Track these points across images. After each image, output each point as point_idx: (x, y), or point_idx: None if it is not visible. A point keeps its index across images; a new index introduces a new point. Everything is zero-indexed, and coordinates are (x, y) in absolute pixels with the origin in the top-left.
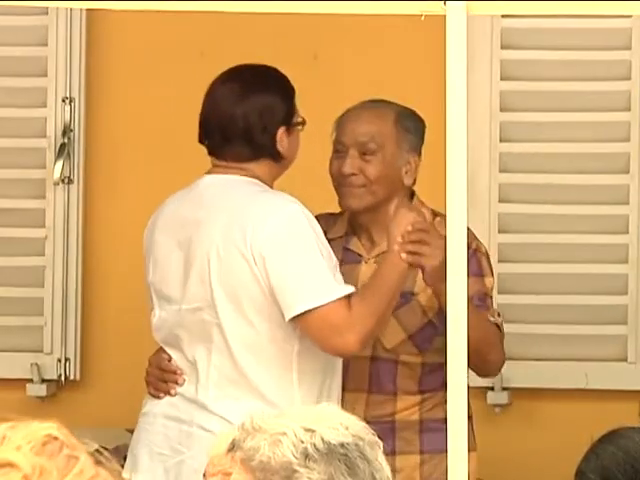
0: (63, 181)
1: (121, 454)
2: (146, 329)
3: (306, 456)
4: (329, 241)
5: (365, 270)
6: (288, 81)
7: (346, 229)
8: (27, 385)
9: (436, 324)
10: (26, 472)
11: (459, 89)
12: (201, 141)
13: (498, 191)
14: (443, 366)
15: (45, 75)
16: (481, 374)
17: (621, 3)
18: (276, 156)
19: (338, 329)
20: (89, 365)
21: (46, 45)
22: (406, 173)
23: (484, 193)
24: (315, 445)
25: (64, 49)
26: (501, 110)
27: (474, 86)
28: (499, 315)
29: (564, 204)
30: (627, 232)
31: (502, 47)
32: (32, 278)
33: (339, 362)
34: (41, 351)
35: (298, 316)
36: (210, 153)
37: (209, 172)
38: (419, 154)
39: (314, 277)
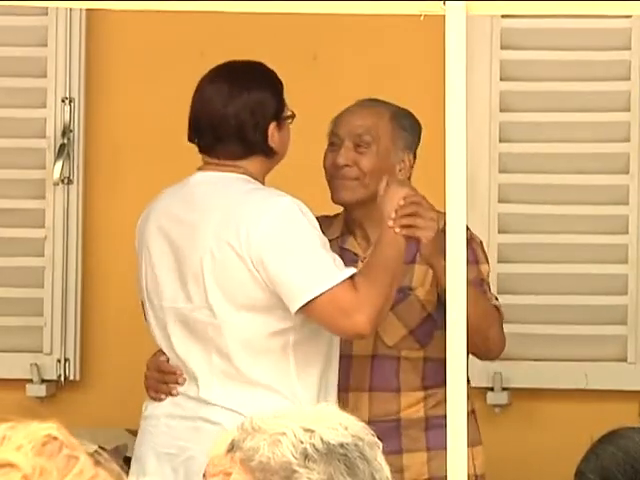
0: (63, 181)
1: (121, 454)
2: (146, 329)
3: (306, 456)
4: None
5: None
6: (276, 75)
7: (342, 230)
8: (27, 385)
9: (435, 318)
10: (26, 472)
11: (459, 89)
12: (191, 140)
13: (498, 191)
14: (445, 361)
15: (45, 75)
16: (482, 356)
17: (621, 3)
18: (268, 152)
19: (347, 312)
20: (89, 365)
21: (46, 45)
22: (400, 171)
23: (484, 193)
24: (314, 445)
25: (64, 49)
26: (501, 110)
27: (474, 86)
28: (497, 299)
29: (564, 204)
30: (627, 232)
31: (502, 47)
32: (32, 278)
33: (336, 351)
34: (41, 351)
35: (305, 306)
36: (201, 151)
37: (200, 169)
38: (414, 154)
39: (315, 265)
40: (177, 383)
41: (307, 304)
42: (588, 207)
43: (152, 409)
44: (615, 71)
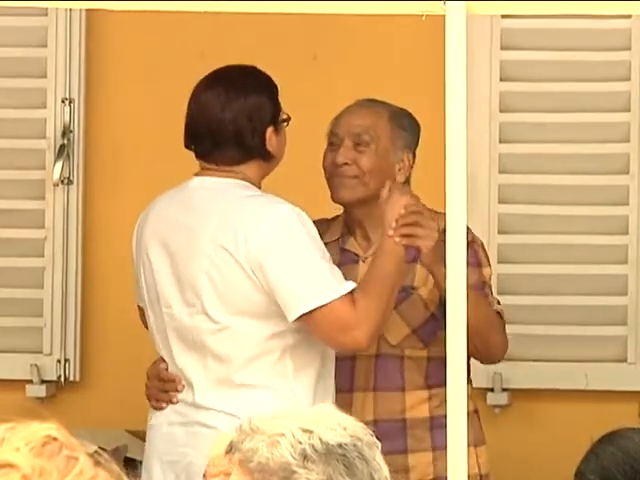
0: (63, 182)
1: (121, 455)
2: (146, 330)
3: (304, 457)
4: (325, 244)
5: (363, 269)
6: (271, 79)
7: (342, 231)
8: (27, 386)
9: (438, 317)
10: (26, 473)
11: (459, 89)
12: (187, 146)
13: (498, 192)
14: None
15: (45, 76)
16: (484, 360)
17: (621, 3)
18: (266, 156)
19: (345, 327)
20: (89, 366)
21: (46, 46)
22: (399, 170)
23: (484, 194)
24: (313, 446)
25: (64, 50)
26: (501, 111)
27: (474, 86)
28: (499, 303)
29: (564, 205)
30: (627, 233)
31: (502, 48)
32: (32, 279)
33: (331, 352)
34: (41, 352)
35: (303, 316)
36: (198, 157)
37: (198, 174)
38: (413, 153)
39: (314, 276)
40: (177, 391)
41: (304, 315)
42: (588, 208)
43: (155, 418)
44: (615, 72)
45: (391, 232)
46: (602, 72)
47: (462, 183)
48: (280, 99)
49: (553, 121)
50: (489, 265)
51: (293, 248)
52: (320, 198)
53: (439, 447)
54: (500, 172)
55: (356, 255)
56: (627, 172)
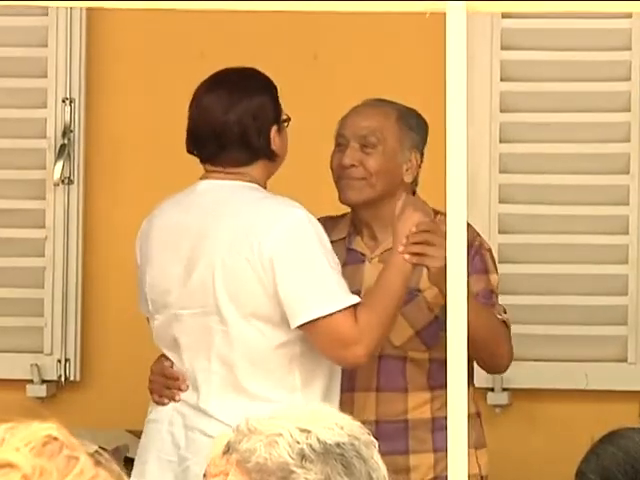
0: (63, 182)
1: (121, 455)
2: (146, 330)
3: (302, 456)
4: (332, 243)
5: (369, 269)
6: (270, 79)
7: (349, 230)
8: (27, 386)
9: (442, 320)
10: (26, 472)
11: (459, 89)
12: (190, 151)
13: (498, 192)
14: None
15: (45, 76)
16: (490, 370)
17: (619, 3)
18: (271, 156)
19: (345, 341)
20: (89, 366)
21: (46, 46)
22: (407, 170)
23: (484, 194)
24: (311, 445)
25: (64, 50)
26: (501, 111)
27: (474, 87)
28: (505, 312)
29: (564, 205)
30: (627, 233)
31: (502, 48)
32: (32, 279)
33: (339, 368)
34: (41, 352)
35: (304, 325)
36: (203, 161)
37: (205, 177)
38: (421, 153)
39: (320, 285)
40: (180, 389)
41: (306, 324)
42: (588, 207)
43: (156, 414)
44: (615, 71)
45: (401, 248)
46: (602, 72)
47: (462, 183)
48: (280, 99)
49: (553, 121)
50: (496, 272)
51: (305, 253)
52: (320, 198)
53: (440, 449)
54: (500, 172)
55: (362, 255)
56: (627, 172)
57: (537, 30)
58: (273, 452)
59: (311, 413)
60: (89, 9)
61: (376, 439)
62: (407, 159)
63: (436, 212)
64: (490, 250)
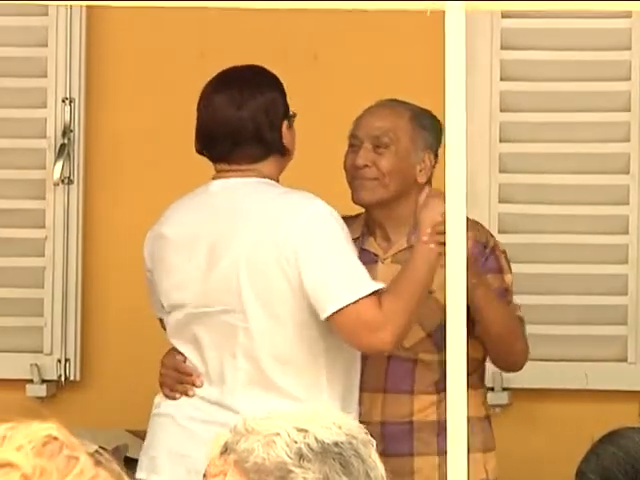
0: (63, 182)
1: (121, 455)
2: (146, 330)
3: (300, 456)
4: None
5: (382, 270)
6: (276, 75)
7: (362, 230)
8: (27, 386)
9: None
10: (26, 472)
11: (459, 89)
12: (200, 151)
13: (498, 191)
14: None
15: (45, 76)
16: (506, 367)
17: (616, 2)
18: (283, 151)
19: (370, 327)
20: (89, 366)
21: (46, 46)
22: (420, 171)
23: (484, 193)
24: (309, 445)
25: (64, 50)
26: (501, 110)
27: (474, 86)
28: (519, 310)
29: (564, 204)
30: (627, 232)
31: (502, 47)
32: (32, 279)
33: (359, 360)
34: (41, 352)
35: (332, 315)
36: (215, 160)
37: (217, 177)
38: (435, 153)
39: (345, 274)
40: (194, 385)
41: (334, 313)
42: (588, 207)
43: (166, 407)
44: (615, 71)
45: (426, 238)
46: (602, 72)
47: (462, 182)
48: None
49: (553, 120)
50: (510, 272)
51: (328, 244)
52: (321, 197)
53: (445, 451)
54: (500, 171)
55: (375, 255)
56: (627, 172)
57: (537, 30)
58: (271, 452)
59: (308, 413)
60: (89, 9)
61: (382, 440)
62: (420, 159)
63: (474, 223)
64: (504, 252)
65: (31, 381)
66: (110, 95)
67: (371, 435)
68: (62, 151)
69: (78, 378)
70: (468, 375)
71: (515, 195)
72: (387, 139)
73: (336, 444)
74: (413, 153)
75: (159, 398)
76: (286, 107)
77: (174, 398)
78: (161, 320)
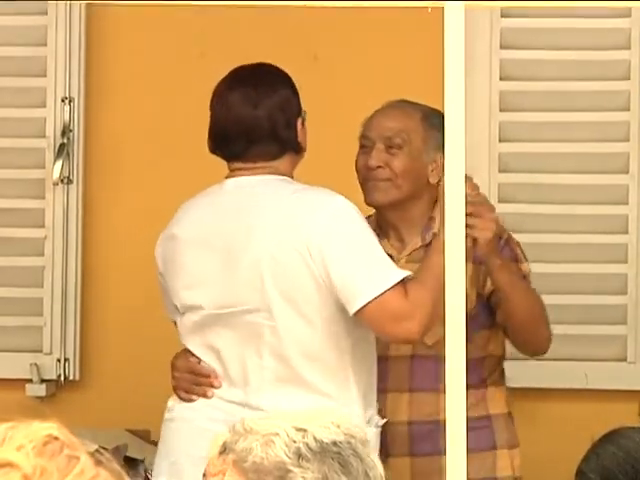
0: (62, 181)
1: (121, 454)
2: (146, 329)
3: (299, 456)
4: None
5: None
6: (288, 73)
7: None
8: (26, 385)
9: (474, 317)
10: (27, 472)
11: (458, 89)
12: (213, 151)
13: (497, 191)
14: (483, 360)
15: (44, 75)
16: (532, 352)
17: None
18: (297, 148)
19: (398, 318)
20: (88, 365)
21: (45, 45)
22: (432, 171)
23: (483, 193)
24: (308, 444)
25: (63, 49)
26: (500, 110)
27: (473, 86)
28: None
29: (563, 204)
30: (626, 232)
31: (501, 47)
32: (31, 278)
33: (375, 356)
34: (40, 351)
35: (360, 308)
36: (230, 159)
37: (232, 175)
38: None
39: (371, 265)
40: (212, 386)
41: (362, 307)
42: (588, 207)
43: (182, 411)
44: (615, 71)
45: None
46: (602, 71)
47: (461, 182)
48: None
49: (553, 120)
50: (527, 261)
51: (352, 237)
52: None
53: (472, 449)
54: (500, 171)
55: (390, 256)
56: (627, 171)
57: (536, 29)
58: (270, 451)
59: (307, 412)
60: (89, 8)
61: (409, 440)
62: (432, 159)
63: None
64: (518, 243)
65: (30, 381)
66: (110, 95)
67: (398, 435)
68: (61, 151)
69: (77, 378)
70: (491, 373)
71: (515, 194)
72: (399, 140)
73: (335, 444)
74: (425, 153)
75: (172, 402)
76: (299, 104)
77: (191, 400)
78: (175, 323)
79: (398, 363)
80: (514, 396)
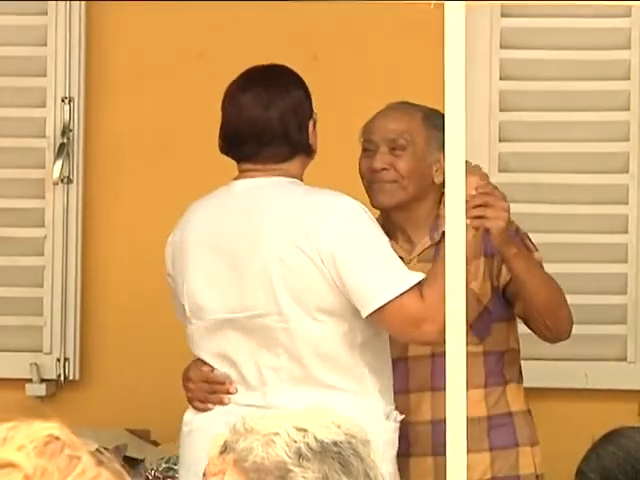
0: (62, 181)
1: (121, 454)
2: (146, 329)
3: (300, 455)
4: None
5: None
6: (299, 75)
7: None
8: (26, 385)
9: (491, 310)
10: (27, 472)
11: (458, 88)
12: (224, 151)
13: None
14: (503, 355)
15: (44, 75)
16: (555, 335)
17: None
18: (309, 151)
19: (414, 321)
20: (88, 365)
21: (45, 45)
22: (436, 171)
23: None
24: (308, 444)
25: (63, 49)
26: (500, 110)
27: (474, 85)
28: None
29: (563, 203)
30: (626, 232)
31: (501, 47)
32: (31, 278)
33: (389, 352)
34: (40, 351)
35: (375, 311)
36: (240, 160)
37: (241, 177)
38: None
39: (384, 269)
40: (229, 392)
41: (377, 310)
42: (588, 206)
43: (201, 421)
44: (615, 70)
45: None
46: (602, 71)
47: (461, 182)
48: None
49: (553, 120)
50: (537, 250)
51: (364, 240)
52: None
53: (496, 447)
54: (500, 171)
55: (400, 258)
56: (627, 171)
57: (536, 29)
58: (270, 451)
59: (308, 412)
60: (88, 8)
61: (432, 439)
62: (436, 159)
63: None
64: (528, 235)
65: (30, 380)
66: (110, 94)
67: (421, 435)
68: (61, 150)
69: (77, 377)
70: (511, 368)
71: (514, 194)
72: (403, 141)
73: (335, 443)
74: (428, 154)
75: (190, 415)
76: (311, 106)
77: (207, 410)
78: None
79: (419, 363)
80: None
